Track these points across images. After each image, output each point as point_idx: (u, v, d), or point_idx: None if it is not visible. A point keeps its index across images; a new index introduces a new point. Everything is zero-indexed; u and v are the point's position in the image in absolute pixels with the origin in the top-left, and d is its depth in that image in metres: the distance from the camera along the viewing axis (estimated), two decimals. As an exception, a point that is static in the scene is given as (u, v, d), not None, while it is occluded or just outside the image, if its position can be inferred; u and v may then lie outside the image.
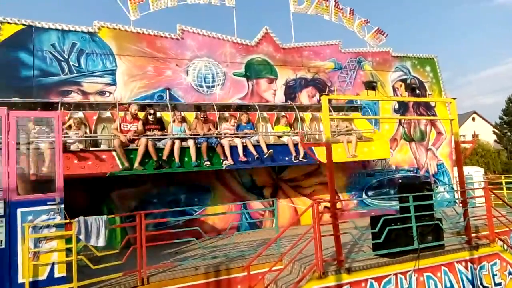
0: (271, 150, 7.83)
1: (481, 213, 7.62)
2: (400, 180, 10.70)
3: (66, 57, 7.93)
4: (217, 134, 7.72)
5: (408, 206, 5.84)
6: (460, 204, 7.04)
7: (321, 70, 10.50)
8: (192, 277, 5.38)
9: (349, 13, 11.00)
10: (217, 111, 8.50)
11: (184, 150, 7.19)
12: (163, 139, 7.17)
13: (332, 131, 8.89)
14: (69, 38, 8.01)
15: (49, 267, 4.66)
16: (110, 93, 8.16)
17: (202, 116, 7.94)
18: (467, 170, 13.58)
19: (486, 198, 6.77)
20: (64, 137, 6.40)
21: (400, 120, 11.21)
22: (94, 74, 8.08)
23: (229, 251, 6.32)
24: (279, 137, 8.54)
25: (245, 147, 7.64)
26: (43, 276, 4.61)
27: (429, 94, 11.88)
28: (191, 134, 7.49)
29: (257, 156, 7.69)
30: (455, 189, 10.98)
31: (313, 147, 8.07)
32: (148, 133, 7.18)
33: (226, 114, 8.64)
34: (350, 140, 8.61)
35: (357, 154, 8.59)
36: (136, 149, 6.78)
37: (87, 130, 7.33)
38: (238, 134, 7.98)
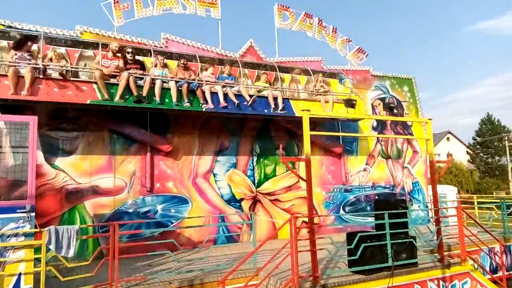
0: (255, 96, 8.22)
1: (454, 231, 7.80)
2: (376, 197, 10.89)
3: (45, 60, 7.74)
4: (198, 80, 7.86)
5: (383, 223, 5.93)
6: (434, 223, 7.20)
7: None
8: (166, 291, 5.26)
9: (332, 31, 11.27)
10: (200, 62, 8.56)
11: (165, 92, 7.37)
12: (144, 77, 7.26)
13: (310, 91, 9.52)
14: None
15: (15, 278, 4.45)
16: (90, 99, 7.99)
17: (182, 62, 8.19)
18: (441, 188, 13.93)
19: (458, 218, 6.95)
20: (45, 65, 6.58)
21: (378, 137, 11.47)
22: (73, 79, 7.91)
23: (204, 265, 6.21)
24: (259, 91, 8.73)
25: (225, 95, 7.88)
26: (8, 287, 4.40)
27: (406, 114, 12.22)
28: (172, 77, 7.64)
29: (237, 102, 7.93)
30: (429, 207, 11.23)
31: (290, 101, 8.75)
32: (130, 71, 7.22)
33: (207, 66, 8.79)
34: (327, 100, 9.30)
35: (334, 113, 9.23)
36: (117, 84, 6.93)
37: (68, 65, 7.35)
38: (219, 83, 8.18)
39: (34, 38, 6.96)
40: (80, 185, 7.55)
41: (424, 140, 10.48)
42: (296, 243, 5.17)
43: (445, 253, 6.93)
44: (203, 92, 7.70)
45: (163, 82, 7.39)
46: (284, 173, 9.78)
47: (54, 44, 7.48)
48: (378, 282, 5.68)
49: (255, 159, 9.55)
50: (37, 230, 4.65)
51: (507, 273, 8.22)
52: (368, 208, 10.60)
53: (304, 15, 10.82)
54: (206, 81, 7.94)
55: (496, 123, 41.97)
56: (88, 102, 6.74)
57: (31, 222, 4.61)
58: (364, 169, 11.13)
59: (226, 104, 7.80)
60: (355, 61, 11.67)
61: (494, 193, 32.84)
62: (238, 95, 8.09)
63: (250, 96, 8.19)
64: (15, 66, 6.22)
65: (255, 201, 9.37)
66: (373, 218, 6.53)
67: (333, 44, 11.35)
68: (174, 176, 8.46)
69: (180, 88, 7.47)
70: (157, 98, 7.18)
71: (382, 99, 11.88)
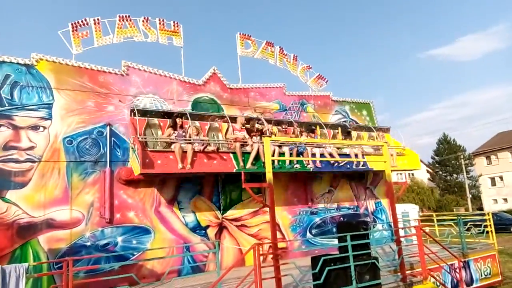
0: (346, 160, 9.80)
1: (416, 249, 8.00)
2: (341, 218, 11.05)
3: (-3, 89, 7.46)
4: (298, 145, 9.21)
5: (346, 246, 5.99)
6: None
7: (267, 111, 10.84)
8: (124, 330, 4.99)
9: (293, 59, 11.66)
10: (297, 127, 10.12)
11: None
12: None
13: (376, 146, 10.97)
14: (2, 69, 7.58)
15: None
16: (45, 127, 7.71)
17: (283, 127, 9.91)
18: (404, 207, 14.42)
19: (418, 237, 7.17)
20: (208, 142, 8.12)
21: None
22: (27, 107, 7.63)
23: (167, 298, 5.97)
24: (339, 148, 9.99)
25: (321, 155, 9.43)
26: None
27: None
28: (281, 142, 8.89)
29: (333, 162, 9.53)
30: (392, 226, 11.50)
31: (365, 157, 10.31)
32: (254, 138, 8.60)
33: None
34: (391, 153, 10.52)
35: (397, 165, 10.58)
36: (247, 153, 8.32)
37: (221, 140, 9.13)
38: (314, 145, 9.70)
39: (181, 116, 8.28)
40: (34, 219, 7.14)
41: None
42: (260, 270, 5.10)
43: (408, 272, 7.08)
44: (306, 154, 9.12)
45: (278, 147, 8.78)
46: (250, 198, 9.73)
47: (190, 119, 8.48)
48: (343, 305, 5.68)
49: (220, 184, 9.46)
50: (-20, 271, 4.31)
51: (467, 288, 8.49)
52: (334, 229, 10.69)
53: (266, 44, 11.16)
54: (306, 145, 9.34)
55: (452, 142, 44.29)
56: (234, 171, 8.02)
57: (-27, 262, 4.28)
58: (329, 191, 11.31)
59: (320, 166, 9.38)
60: (316, 87, 12.08)
61: (454, 209, 34.32)
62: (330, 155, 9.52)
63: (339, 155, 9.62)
64: (180, 143, 7.48)
65: (221, 227, 9.22)
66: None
67: (294, 71, 11.73)
68: (136, 205, 8.20)
69: (291, 152, 8.78)
70: (276, 163, 8.48)
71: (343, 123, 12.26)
